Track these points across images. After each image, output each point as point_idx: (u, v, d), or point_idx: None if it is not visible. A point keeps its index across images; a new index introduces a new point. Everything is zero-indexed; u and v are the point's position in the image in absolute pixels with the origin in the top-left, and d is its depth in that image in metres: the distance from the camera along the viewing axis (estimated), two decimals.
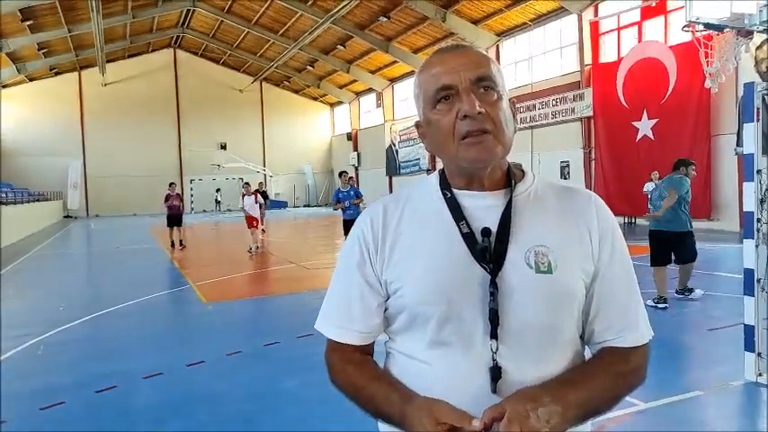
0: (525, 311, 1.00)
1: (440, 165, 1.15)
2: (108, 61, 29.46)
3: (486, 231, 1.02)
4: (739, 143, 11.99)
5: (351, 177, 11.61)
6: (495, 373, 0.98)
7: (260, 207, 13.57)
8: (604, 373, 1.03)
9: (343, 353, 1.11)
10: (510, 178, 1.08)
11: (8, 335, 6.17)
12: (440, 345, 1.02)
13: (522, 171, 1.13)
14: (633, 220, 16.72)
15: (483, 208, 1.05)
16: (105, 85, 32.68)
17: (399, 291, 1.05)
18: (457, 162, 1.04)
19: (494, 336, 0.99)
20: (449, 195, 1.07)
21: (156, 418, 3.86)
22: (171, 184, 14.83)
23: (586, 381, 1.00)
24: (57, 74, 31.83)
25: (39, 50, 26.10)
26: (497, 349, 0.98)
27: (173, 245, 14.19)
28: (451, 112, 1.01)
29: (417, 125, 1.13)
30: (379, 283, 1.08)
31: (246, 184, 15.43)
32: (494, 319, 0.98)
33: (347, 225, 10.47)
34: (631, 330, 1.06)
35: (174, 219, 14.24)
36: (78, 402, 4.16)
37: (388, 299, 1.08)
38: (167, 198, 14.30)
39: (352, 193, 10.72)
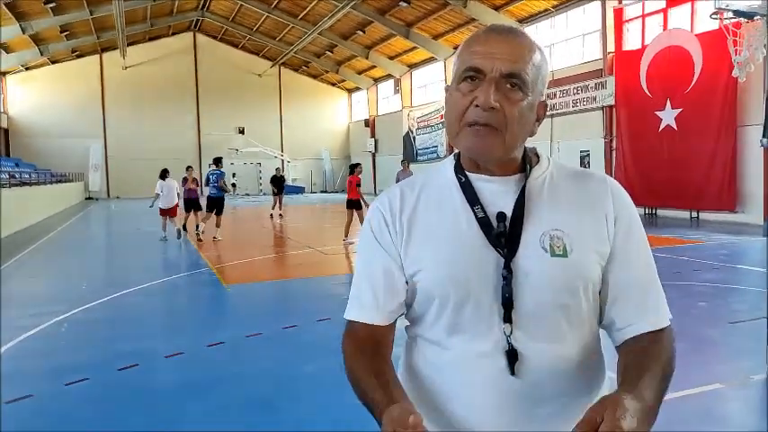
0: (540, 295, 1.00)
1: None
2: (129, 44, 29.62)
3: (501, 216, 1.02)
4: (766, 134, 11.71)
5: (219, 159, 13.33)
6: (512, 356, 0.99)
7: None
8: (658, 366, 0.99)
9: (358, 340, 1.09)
10: (525, 163, 1.08)
11: (32, 312, 6.31)
12: (457, 329, 1.03)
13: (537, 156, 1.12)
14: (654, 211, 16.52)
15: (497, 192, 1.05)
16: (126, 68, 32.88)
17: (417, 275, 1.05)
18: (457, 144, 1.05)
19: (507, 320, 0.99)
20: (463, 180, 1.07)
21: (178, 397, 3.93)
22: (188, 168, 13.93)
23: (650, 375, 0.96)
24: (78, 56, 32.11)
25: (61, 33, 26.33)
26: (511, 333, 0.99)
27: (185, 229, 13.07)
28: (469, 96, 1.01)
29: (446, 89, 1.11)
30: (400, 258, 1.08)
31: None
32: (507, 304, 0.99)
33: (209, 202, 12.56)
34: (653, 313, 1.05)
35: (192, 203, 13.41)
36: (101, 380, 4.25)
37: (407, 282, 1.08)
38: (184, 181, 13.65)
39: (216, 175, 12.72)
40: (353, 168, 12.36)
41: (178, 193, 13.18)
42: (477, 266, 1.01)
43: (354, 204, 11.81)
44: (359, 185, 11.93)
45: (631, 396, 0.88)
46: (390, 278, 1.08)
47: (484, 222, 1.02)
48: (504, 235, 1.01)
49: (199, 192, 13.80)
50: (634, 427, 0.83)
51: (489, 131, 0.99)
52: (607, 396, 0.91)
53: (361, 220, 11.36)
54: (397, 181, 15.43)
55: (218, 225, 12.54)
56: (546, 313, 1.01)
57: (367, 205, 11.44)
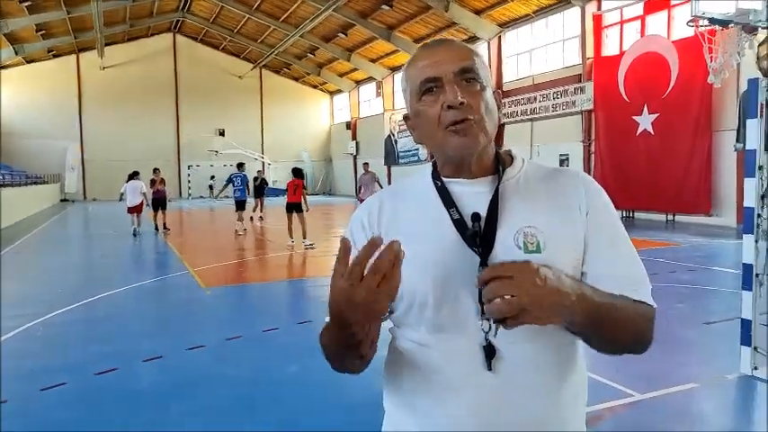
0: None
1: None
2: (107, 44, 29.22)
3: (475, 216, 1.04)
4: (739, 139, 12.03)
5: (242, 164, 15.57)
6: (489, 351, 1.01)
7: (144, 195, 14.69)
8: (627, 305, 1.02)
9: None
10: (498, 164, 1.12)
11: (7, 315, 6.19)
12: (438, 328, 1.05)
13: (512, 156, 1.16)
14: (631, 214, 16.78)
15: (472, 194, 1.08)
16: (104, 68, 32.43)
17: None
18: (443, 150, 1.08)
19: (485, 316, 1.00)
20: (439, 184, 1.11)
21: (157, 401, 3.89)
22: (155, 170, 15.55)
23: (609, 295, 0.99)
24: (55, 56, 31.59)
25: (37, 32, 25.87)
26: (489, 329, 1.01)
27: (157, 228, 14.95)
28: (437, 103, 1.05)
29: (406, 118, 1.17)
30: None
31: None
32: (482, 300, 0.99)
33: (238, 202, 14.47)
34: (642, 286, 1.07)
35: (159, 202, 15.01)
36: (79, 384, 4.18)
37: None
38: (152, 183, 15.08)
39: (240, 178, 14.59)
40: (298, 173, 12.72)
41: (143, 193, 14.49)
42: (454, 266, 1.03)
43: (295, 207, 12.13)
44: (305, 188, 12.54)
45: (570, 277, 0.93)
46: None
47: (459, 223, 1.05)
48: (478, 234, 1.03)
49: (167, 192, 15.32)
50: (551, 277, 0.88)
51: (469, 125, 1.04)
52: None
53: (302, 222, 11.85)
54: (359, 182, 15.72)
55: (240, 220, 14.32)
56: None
57: (307, 209, 12.26)
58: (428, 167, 1.17)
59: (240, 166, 15.19)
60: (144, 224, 14.90)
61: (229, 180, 14.63)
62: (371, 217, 1.13)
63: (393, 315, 1.13)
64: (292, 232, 12.00)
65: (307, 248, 11.38)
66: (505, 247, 1.02)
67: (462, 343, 1.02)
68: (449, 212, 1.07)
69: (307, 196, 12.35)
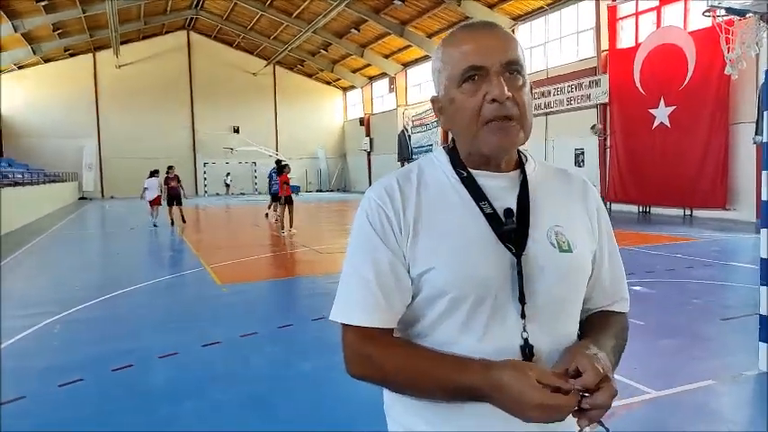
0: (550, 289, 1.02)
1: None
2: (122, 43, 29.45)
3: (509, 212, 1.02)
4: (758, 132, 11.81)
5: (279, 161, 16.69)
6: (527, 350, 0.99)
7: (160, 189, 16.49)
8: (616, 329, 1.11)
9: (380, 338, 1.02)
10: (520, 159, 1.11)
11: (25, 313, 6.29)
12: (469, 327, 1.00)
13: (524, 153, 1.15)
14: (647, 209, 16.58)
15: (499, 188, 1.05)
16: (119, 66, 32.74)
17: (427, 273, 1.00)
18: (477, 145, 1.03)
19: (523, 315, 1.00)
20: (465, 174, 1.06)
21: (172, 397, 3.93)
22: (169, 168, 16.71)
23: (610, 335, 1.08)
24: (71, 55, 31.94)
25: (53, 31, 26.17)
26: (525, 327, 0.99)
27: (172, 222, 16.04)
28: (477, 94, 1.00)
29: (435, 100, 1.10)
30: (404, 258, 1.03)
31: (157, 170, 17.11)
32: (522, 299, 1.00)
33: (273, 196, 15.87)
34: (625, 299, 1.18)
35: (174, 198, 16.29)
36: (96, 380, 4.23)
37: (412, 282, 1.03)
38: (167, 180, 16.33)
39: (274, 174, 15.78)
40: (282, 169, 14.33)
41: (161, 187, 16.31)
42: (492, 264, 0.99)
43: (289, 200, 13.77)
44: (286, 183, 13.92)
45: (592, 342, 1.00)
46: (399, 279, 1.02)
47: (492, 218, 1.01)
48: (514, 231, 1.01)
49: (180, 188, 16.50)
50: (608, 366, 0.92)
51: (511, 124, 1.00)
52: (571, 346, 1.00)
53: (291, 213, 13.54)
54: None
55: (275, 210, 15.56)
56: (552, 306, 1.02)
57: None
58: (441, 153, 1.11)
59: (278, 163, 16.78)
60: (161, 218, 16.10)
61: (270, 176, 16.65)
62: (395, 205, 1.04)
63: (416, 313, 1.05)
64: (285, 222, 13.60)
65: (292, 236, 12.91)
66: (541, 245, 1.02)
67: (501, 343, 0.99)
68: (479, 206, 1.02)
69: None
